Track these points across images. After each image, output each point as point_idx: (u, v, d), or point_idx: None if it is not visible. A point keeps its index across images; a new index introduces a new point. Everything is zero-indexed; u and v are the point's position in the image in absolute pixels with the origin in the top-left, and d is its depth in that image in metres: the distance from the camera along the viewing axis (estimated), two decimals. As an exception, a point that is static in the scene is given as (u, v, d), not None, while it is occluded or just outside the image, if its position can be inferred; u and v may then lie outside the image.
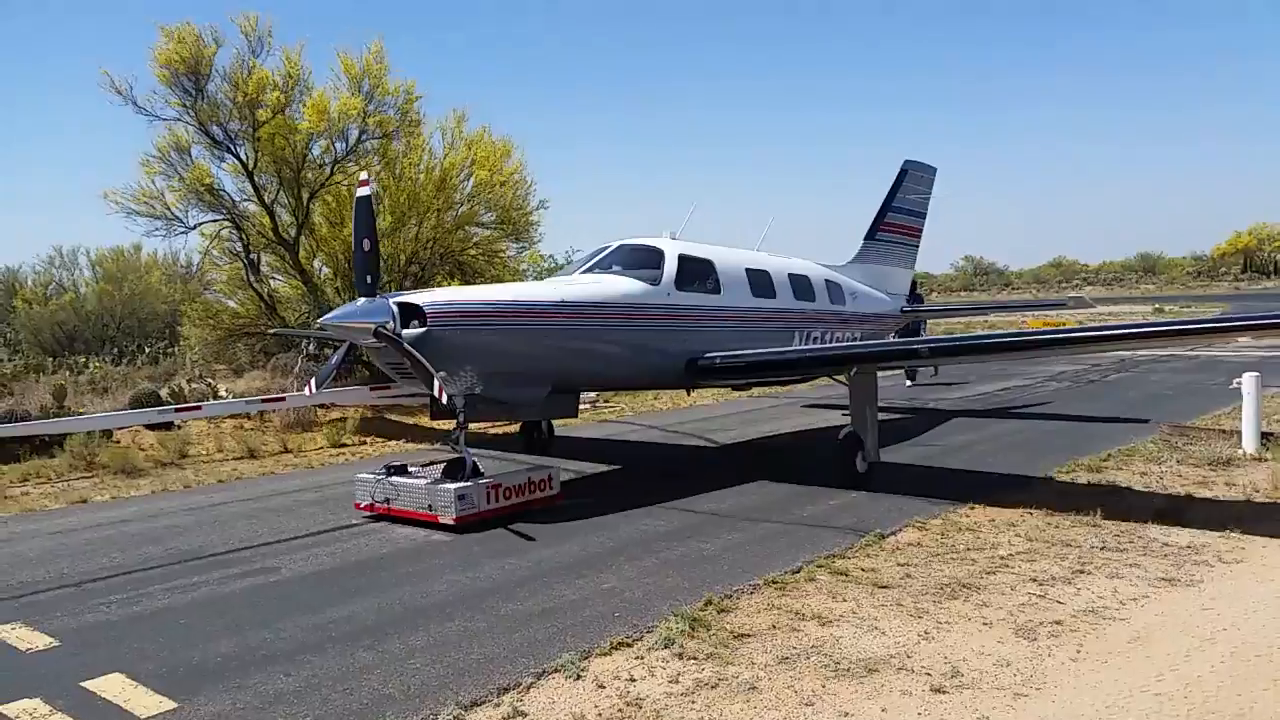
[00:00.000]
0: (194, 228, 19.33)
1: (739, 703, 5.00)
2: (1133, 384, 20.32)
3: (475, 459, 9.28)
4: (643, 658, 5.65)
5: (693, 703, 5.01)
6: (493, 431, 15.49)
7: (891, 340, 15.39)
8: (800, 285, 13.77)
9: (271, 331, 19.35)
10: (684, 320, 11.40)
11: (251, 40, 18.05)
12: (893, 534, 8.27)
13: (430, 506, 8.82)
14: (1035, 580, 6.91)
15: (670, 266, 11.38)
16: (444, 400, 8.70)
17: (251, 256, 19.52)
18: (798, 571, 7.24)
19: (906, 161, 17.60)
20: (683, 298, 11.42)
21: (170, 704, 5.10)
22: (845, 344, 13.99)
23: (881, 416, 11.34)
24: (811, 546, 7.94)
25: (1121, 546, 7.69)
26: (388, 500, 9.16)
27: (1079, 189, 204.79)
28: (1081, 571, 7.09)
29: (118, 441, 13.80)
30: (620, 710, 4.94)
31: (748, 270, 12.73)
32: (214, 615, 6.63)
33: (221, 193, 18.94)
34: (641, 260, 11.56)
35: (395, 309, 8.84)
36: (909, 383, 21.34)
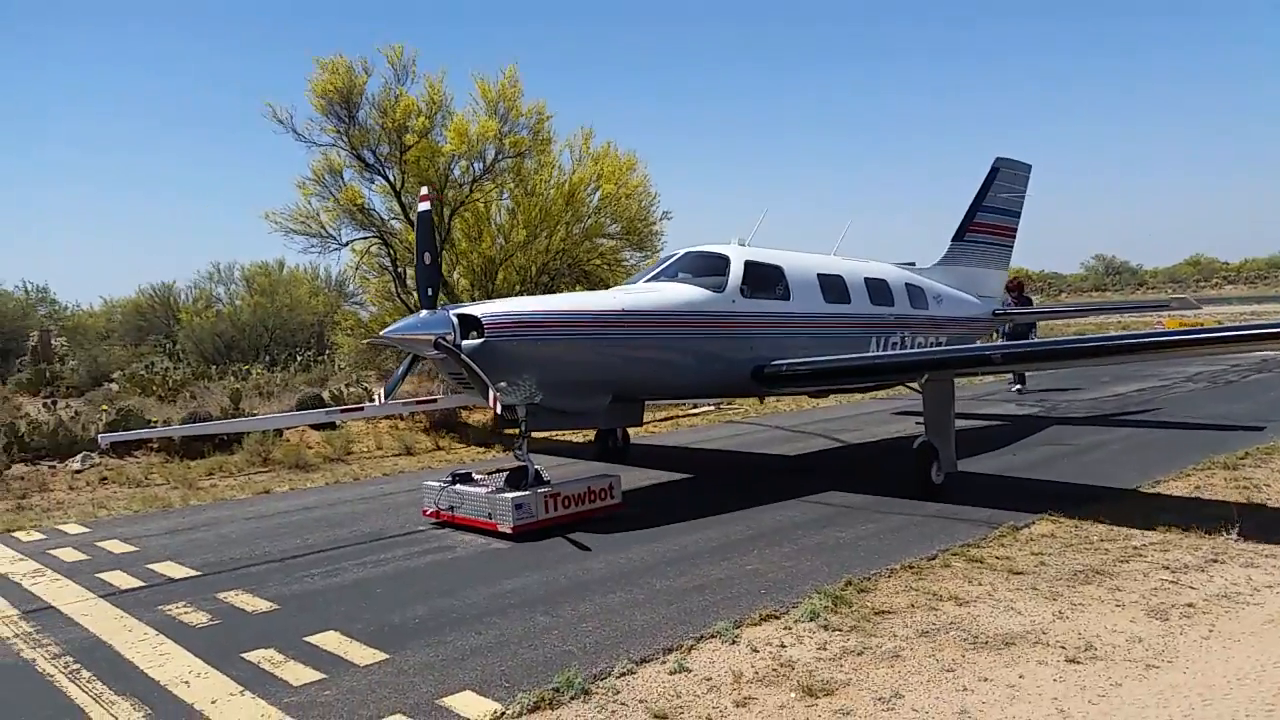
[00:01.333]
0: (346, 244, 20.73)
1: (884, 667, 5.48)
2: (1274, 384, 19.66)
3: (539, 468, 9.43)
4: (790, 628, 6.18)
5: (841, 666, 5.52)
6: (572, 439, 16.12)
7: (963, 346, 14.55)
8: (877, 289, 13.50)
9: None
10: (750, 328, 11.27)
11: (397, 69, 19.31)
12: (1026, 526, 8.55)
13: (490, 515, 8.97)
14: (1168, 568, 7.15)
15: (736, 273, 11.29)
16: (497, 410, 8.84)
17: (399, 271, 20.81)
18: (933, 558, 7.65)
19: (998, 159, 17.11)
20: (749, 305, 11.30)
21: (383, 655, 5.92)
22: (916, 350, 13.63)
23: (997, 423, 11.02)
24: (945, 537, 8.30)
25: (1257, 539, 7.80)
26: (452, 508, 9.36)
27: (1219, 182, 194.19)
28: (1215, 561, 7.28)
29: (288, 440, 15.10)
30: (775, 670, 5.49)
31: (820, 275, 12.56)
32: (404, 585, 7.50)
33: (372, 212, 20.29)
34: (707, 267, 11.51)
35: (455, 320, 8.98)
36: (1018, 387, 20.62)
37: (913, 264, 15.91)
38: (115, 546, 9.33)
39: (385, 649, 6.02)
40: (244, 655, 6.01)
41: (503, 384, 8.90)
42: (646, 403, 11.76)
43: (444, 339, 8.83)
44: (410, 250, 20.51)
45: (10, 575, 8.36)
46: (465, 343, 8.92)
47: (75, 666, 5.96)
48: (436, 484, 9.65)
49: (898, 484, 10.57)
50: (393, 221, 20.77)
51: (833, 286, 12.68)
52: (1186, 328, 12.28)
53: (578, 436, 16.07)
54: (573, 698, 5.16)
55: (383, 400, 9.95)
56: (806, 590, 6.89)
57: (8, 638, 6.59)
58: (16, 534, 10.13)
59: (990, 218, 17.10)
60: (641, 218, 22.36)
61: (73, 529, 10.31)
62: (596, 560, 8.01)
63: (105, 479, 13.27)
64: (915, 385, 11.20)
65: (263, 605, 7.14)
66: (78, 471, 13.52)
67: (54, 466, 13.73)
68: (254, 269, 37.67)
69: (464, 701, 5.15)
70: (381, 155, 19.41)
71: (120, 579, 8.08)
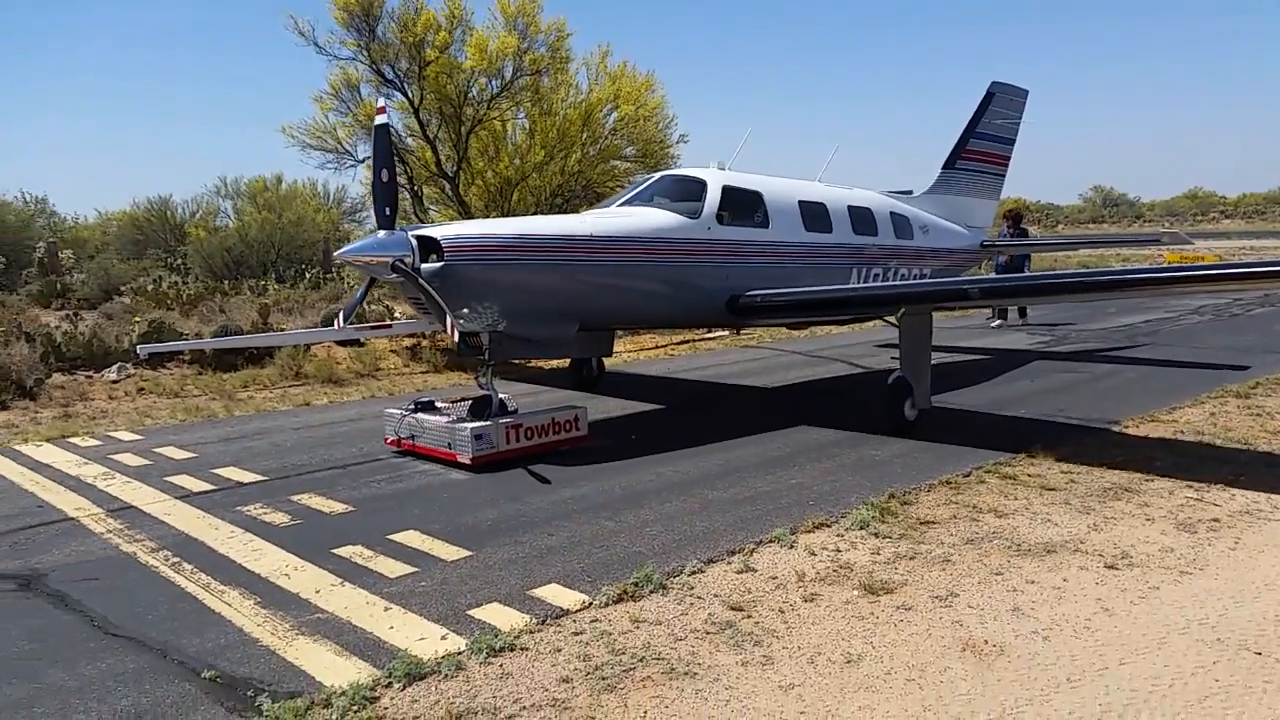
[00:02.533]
0: (362, 161, 20.81)
1: (936, 570, 5.91)
2: (1278, 318, 20.10)
3: (504, 397, 9.20)
4: (842, 535, 6.60)
5: (895, 569, 5.95)
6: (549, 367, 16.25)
7: (942, 280, 14.04)
8: (861, 218, 13.03)
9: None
10: (726, 256, 10.87)
11: (418, -19, 19.15)
12: (1053, 447, 8.93)
13: (450, 445, 8.80)
14: (1192, 487, 7.57)
15: (712, 198, 10.86)
16: (455, 339, 8.44)
17: (416, 189, 20.88)
18: (968, 475, 8.06)
19: (994, 84, 16.52)
20: (725, 232, 10.90)
21: (466, 552, 6.33)
22: (892, 283, 13.19)
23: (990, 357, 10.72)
24: (976, 457, 8.69)
25: (1274, 462, 8.25)
26: (413, 436, 9.16)
27: (1218, 115, 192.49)
28: (1236, 481, 7.71)
29: (316, 355, 15.39)
30: (835, 570, 5.92)
31: (801, 203, 12.10)
32: (469, 492, 7.89)
33: (389, 128, 20.24)
34: (683, 192, 11.10)
35: (414, 242, 8.51)
36: (998, 323, 20.32)
37: (909, 192, 15.71)
38: (174, 453, 9.69)
39: (467, 546, 6.43)
40: (334, 551, 6.40)
41: (464, 310, 8.59)
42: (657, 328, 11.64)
43: (401, 261, 8.37)
44: (427, 168, 20.61)
45: (82, 477, 8.73)
46: (424, 266, 8.48)
47: (175, 560, 6.35)
48: (398, 411, 9.42)
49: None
50: (409, 139, 20.77)
51: (814, 214, 12.24)
52: (1178, 264, 12.02)
53: (548, 365, 15.81)
54: (652, 592, 5.57)
55: (341, 324, 9.53)
56: (853, 502, 7.30)
57: (102, 533, 6.98)
58: (73, 439, 10.47)
59: (983, 145, 16.56)
60: (658, 140, 22.41)
61: (125, 436, 10.66)
62: (646, 473, 8.41)
63: (142, 389, 13.58)
64: (893, 319, 10.88)
65: (338, 507, 7.53)
66: (114, 382, 13.82)
67: (90, 376, 14.01)
68: (255, 184, 37.49)
69: (552, 593, 5.56)
70: (400, 70, 19.36)
71: (189, 482, 8.45)
